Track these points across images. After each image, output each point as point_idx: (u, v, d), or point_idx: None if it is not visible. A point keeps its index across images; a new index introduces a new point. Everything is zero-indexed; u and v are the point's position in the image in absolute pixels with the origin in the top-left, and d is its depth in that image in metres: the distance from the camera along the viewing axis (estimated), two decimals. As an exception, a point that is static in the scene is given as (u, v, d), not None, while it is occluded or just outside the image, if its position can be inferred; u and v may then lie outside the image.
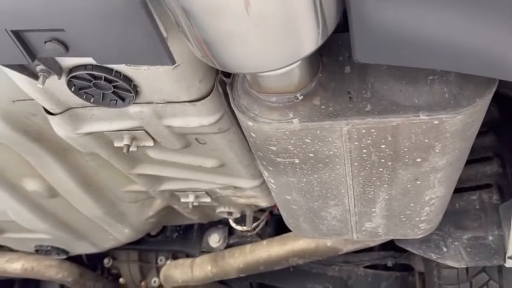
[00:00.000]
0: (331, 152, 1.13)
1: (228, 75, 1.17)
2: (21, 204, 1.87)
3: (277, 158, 1.18)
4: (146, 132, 1.38)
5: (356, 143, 1.08)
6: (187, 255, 2.60)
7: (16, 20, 0.76)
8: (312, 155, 1.14)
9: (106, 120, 1.33)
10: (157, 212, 2.11)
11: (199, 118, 1.27)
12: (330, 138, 1.07)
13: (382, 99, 1.01)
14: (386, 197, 1.34)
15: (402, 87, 1.00)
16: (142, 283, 2.89)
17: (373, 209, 1.42)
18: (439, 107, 0.97)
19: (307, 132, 1.05)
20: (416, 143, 1.06)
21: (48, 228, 2.05)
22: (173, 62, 0.82)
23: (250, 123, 1.07)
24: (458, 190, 1.74)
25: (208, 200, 1.92)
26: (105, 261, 2.94)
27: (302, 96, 1.01)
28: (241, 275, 2.16)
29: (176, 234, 2.69)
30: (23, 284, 3.15)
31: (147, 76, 1.08)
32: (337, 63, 1.06)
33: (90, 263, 2.96)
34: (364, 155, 1.13)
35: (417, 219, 1.47)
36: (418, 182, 1.24)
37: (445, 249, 1.82)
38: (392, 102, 1.00)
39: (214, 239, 2.45)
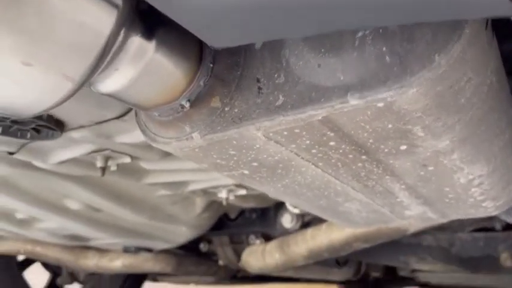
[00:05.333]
0: (276, 158, 0.81)
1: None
2: (74, 221, 1.88)
3: (223, 172, 0.91)
4: (113, 151, 1.22)
5: (293, 146, 0.75)
6: (267, 236, 2.43)
7: None
8: (255, 164, 0.84)
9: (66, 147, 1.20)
10: (205, 208, 1.96)
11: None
12: (256, 146, 0.76)
13: (298, 84, 0.66)
14: (403, 186, 0.96)
15: (321, 59, 0.64)
16: (240, 263, 2.82)
17: (398, 199, 1.05)
18: (376, 81, 0.59)
19: (221, 145, 0.76)
20: (378, 131, 0.69)
21: (109, 236, 2.06)
22: None
23: (154, 144, 0.81)
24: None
25: (243, 192, 1.70)
26: (201, 246, 2.93)
27: (189, 103, 0.72)
28: (310, 262, 1.92)
29: (255, 215, 2.52)
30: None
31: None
32: None
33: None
34: (321, 155, 0.79)
35: (471, 199, 1.05)
36: (431, 168, 0.84)
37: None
38: (311, 86, 0.65)
39: (287, 219, 2.22)
